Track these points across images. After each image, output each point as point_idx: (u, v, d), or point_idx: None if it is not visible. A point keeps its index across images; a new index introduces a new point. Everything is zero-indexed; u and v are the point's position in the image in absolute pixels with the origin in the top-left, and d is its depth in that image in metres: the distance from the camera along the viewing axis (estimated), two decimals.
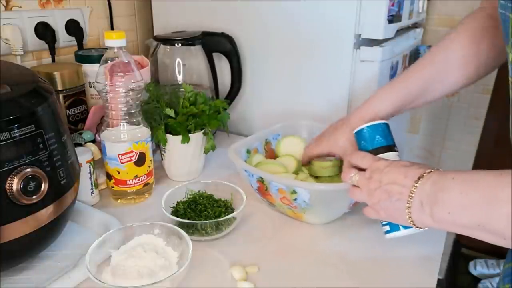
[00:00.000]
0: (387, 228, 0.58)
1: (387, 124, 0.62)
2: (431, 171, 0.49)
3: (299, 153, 0.80)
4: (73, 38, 1.02)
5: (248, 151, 0.80)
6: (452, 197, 0.45)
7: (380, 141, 0.60)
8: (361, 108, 0.68)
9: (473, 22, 0.64)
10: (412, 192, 0.49)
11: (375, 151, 0.60)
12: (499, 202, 0.41)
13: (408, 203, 0.49)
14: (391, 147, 0.61)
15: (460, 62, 0.64)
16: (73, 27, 1.01)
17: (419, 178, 0.49)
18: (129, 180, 0.74)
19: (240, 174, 0.74)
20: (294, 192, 0.65)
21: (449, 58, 0.64)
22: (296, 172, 0.78)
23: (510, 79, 0.51)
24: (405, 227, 0.55)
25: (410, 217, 0.50)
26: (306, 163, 0.77)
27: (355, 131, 0.63)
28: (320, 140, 0.74)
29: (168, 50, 1.00)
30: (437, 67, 0.65)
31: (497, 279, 1.80)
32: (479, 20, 0.63)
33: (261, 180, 0.68)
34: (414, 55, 1.26)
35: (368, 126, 0.61)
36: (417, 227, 0.51)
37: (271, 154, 0.85)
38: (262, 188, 0.69)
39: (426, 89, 0.66)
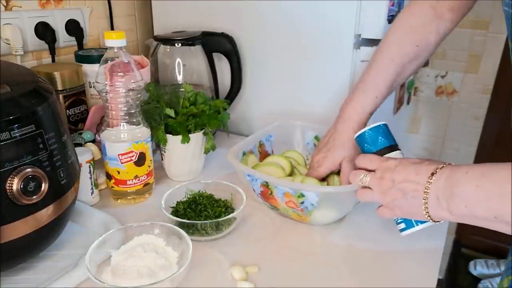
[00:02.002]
0: (403, 225, 0.59)
1: (386, 125, 0.63)
2: (443, 166, 0.50)
3: None
4: (73, 38, 1.02)
5: (244, 153, 0.80)
6: (468, 191, 0.46)
7: (383, 142, 0.61)
8: (344, 123, 0.71)
9: (418, 16, 0.69)
10: (427, 188, 0.50)
11: (380, 152, 0.61)
12: None
13: (424, 199, 0.51)
14: (394, 147, 0.62)
15: (414, 55, 0.69)
16: (73, 27, 1.01)
17: (432, 174, 0.50)
18: (129, 180, 0.74)
19: (241, 179, 0.73)
20: (301, 195, 0.64)
21: (405, 54, 0.69)
22: (290, 174, 0.78)
23: None
24: (421, 223, 0.57)
25: (427, 212, 0.51)
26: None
27: (357, 135, 0.64)
28: (320, 162, 0.74)
29: (168, 50, 1.00)
30: (396, 66, 0.69)
31: (497, 279, 1.80)
32: (422, 15, 0.68)
33: (265, 185, 0.68)
34: None
35: (369, 129, 0.62)
36: (434, 221, 0.53)
37: (265, 156, 0.84)
38: (266, 193, 0.68)
39: (391, 86, 0.70)
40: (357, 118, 0.70)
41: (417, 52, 0.69)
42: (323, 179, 0.74)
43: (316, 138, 0.87)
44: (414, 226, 0.57)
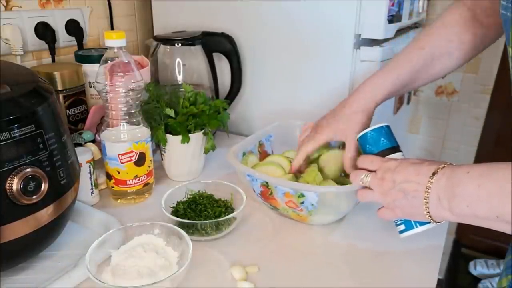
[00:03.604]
0: (402, 227, 0.59)
1: (388, 126, 0.63)
2: (444, 166, 0.50)
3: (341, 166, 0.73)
4: (73, 38, 1.02)
5: (244, 154, 0.80)
6: (470, 191, 0.46)
7: (385, 143, 0.61)
8: (358, 94, 0.70)
9: (455, 14, 0.67)
10: (428, 188, 0.50)
11: (382, 154, 0.61)
12: None
13: (425, 199, 0.50)
14: (396, 148, 0.62)
15: (446, 50, 0.67)
16: (73, 27, 1.01)
17: (433, 174, 0.50)
18: (129, 180, 0.74)
19: (241, 179, 0.73)
20: (301, 195, 0.64)
21: (436, 46, 0.68)
22: (290, 173, 0.77)
23: None
24: (421, 224, 0.57)
25: (428, 213, 0.51)
26: (300, 168, 0.74)
27: (359, 136, 0.64)
28: (320, 128, 0.73)
29: (168, 50, 1.00)
30: (425, 55, 0.68)
31: (497, 279, 1.80)
32: (461, 13, 0.67)
33: (265, 185, 0.68)
34: None
35: (372, 130, 0.62)
36: (435, 222, 0.53)
37: (265, 156, 0.84)
38: (266, 193, 0.68)
39: (416, 76, 0.69)
40: (371, 93, 0.68)
41: (450, 48, 0.67)
42: (300, 172, 0.74)
43: None
44: (413, 228, 0.57)
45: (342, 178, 0.74)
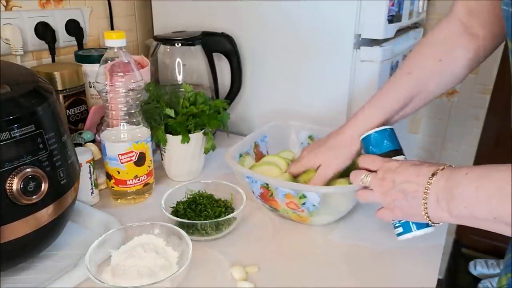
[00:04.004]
0: (400, 230, 0.58)
1: (392, 129, 0.63)
2: (444, 168, 0.50)
3: None
4: (73, 38, 1.02)
5: (241, 155, 0.80)
6: (468, 192, 0.46)
7: (388, 146, 0.62)
8: (350, 126, 0.68)
9: (443, 31, 0.64)
10: (427, 189, 0.50)
11: (384, 156, 0.61)
12: None
13: (424, 200, 0.51)
14: (398, 151, 0.62)
15: (436, 69, 0.64)
16: (73, 27, 1.01)
17: (433, 175, 0.50)
18: (129, 180, 0.74)
19: (240, 181, 0.73)
20: (303, 196, 0.64)
21: (423, 68, 0.65)
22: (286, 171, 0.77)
23: None
24: (418, 228, 0.56)
25: (426, 213, 0.51)
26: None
27: (362, 137, 0.64)
28: (313, 153, 0.72)
29: (168, 50, 1.00)
30: (413, 80, 0.65)
31: (497, 279, 1.80)
32: (451, 28, 0.64)
33: (266, 186, 0.67)
34: None
35: (375, 132, 0.62)
36: (433, 223, 0.53)
37: (260, 157, 0.84)
38: (267, 194, 0.68)
39: (409, 101, 0.66)
40: (358, 129, 0.66)
41: (440, 68, 0.63)
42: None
43: (310, 137, 0.87)
44: (411, 231, 0.57)
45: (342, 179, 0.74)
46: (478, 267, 1.91)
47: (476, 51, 0.63)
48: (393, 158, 0.60)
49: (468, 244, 1.99)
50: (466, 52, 0.63)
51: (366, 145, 0.64)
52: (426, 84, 0.65)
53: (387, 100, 0.66)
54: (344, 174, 0.73)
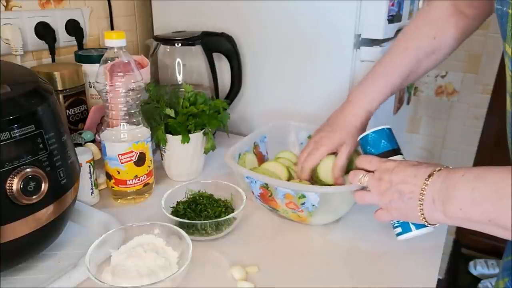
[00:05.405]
0: (399, 230, 0.58)
1: (390, 129, 0.63)
2: (440, 169, 0.50)
3: None
4: (73, 38, 1.02)
5: (240, 155, 0.79)
6: (464, 194, 0.46)
7: (385, 145, 0.61)
8: (351, 104, 0.71)
9: (438, 9, 0.69)
10: (423, 190, 0.50)
11: (382, 155, 0.61)
12: (509, 197, 0.42)
13: (420, 201, 0.50)
14: (396, 151, 0.62)
15: (431, 48, 0.69)
16: (73, 27, 1.01)
17: (429, 176, 0.50)
18: (129, 180, 0.74)
19: (239, 182, 0.72)
20: (302, 196, 0.64)
21: (421, 46, 0.69)
22: (288, 179, 0.76)
23: (510, 72, 0.52)
24: (417, 228, 0.56)
25: (422, 214, 0.51)
26: (309, 176, 0.73)
27: (360, 137, 0.64)
28: (319, 142, 0.72)
29: (168, 50, 1.00)
30: (410, 57, 0.69)
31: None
32: (443, 9, 0.68)
33: (265, 186, 0.67)
34: None
35: (373, 132, 0.62)
36: (430, 224, 0.53)
37: (260, 157, 0.84)
38: (266, 194, 0.68)
39: (406, 77, 0.70)
40: (364, 103, 0.70)
41: (434, 46, 0.68)
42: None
43: (310, 138, 0.87)
44: (410, 231, 0.57)
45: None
46: (478, 267, 1.91)
47: (465, 28, 0.68)
48: (391, 158, 0.60)
49: (468, 244, 2.00)
50: (456, 30, 0.68)
51: (364, 145, 0.64)
52: (422, 61, 0.69)
53: (388, 77, 0.69)
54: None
